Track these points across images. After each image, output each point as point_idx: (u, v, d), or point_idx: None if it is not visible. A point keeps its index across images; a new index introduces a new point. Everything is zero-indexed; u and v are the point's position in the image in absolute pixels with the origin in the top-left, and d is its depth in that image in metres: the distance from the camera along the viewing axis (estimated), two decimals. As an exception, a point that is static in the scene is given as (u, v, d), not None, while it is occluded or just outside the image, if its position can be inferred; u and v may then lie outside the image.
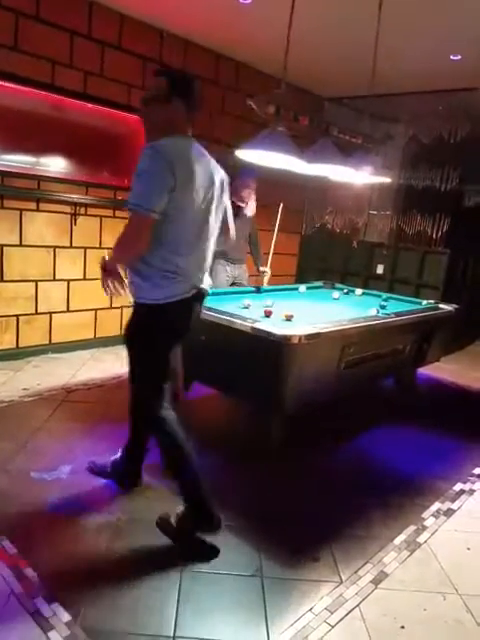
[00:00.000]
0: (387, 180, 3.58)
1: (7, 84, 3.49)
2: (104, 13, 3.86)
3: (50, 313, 4.10)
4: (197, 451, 2.02)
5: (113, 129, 4.12)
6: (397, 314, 3.10)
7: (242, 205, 3.58)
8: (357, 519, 2.27)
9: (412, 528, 2.23)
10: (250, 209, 3.63)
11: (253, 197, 3.63)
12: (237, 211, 3.34)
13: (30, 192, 3.75)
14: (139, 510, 2.17)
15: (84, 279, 4.23)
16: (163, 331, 1.96)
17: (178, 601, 1.70)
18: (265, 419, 2.73)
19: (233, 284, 3.88)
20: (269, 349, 2.33)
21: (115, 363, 4.01)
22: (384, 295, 3.80)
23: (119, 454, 2.36)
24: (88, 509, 2.14)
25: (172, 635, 1.57)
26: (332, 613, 1.71)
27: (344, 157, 2.96)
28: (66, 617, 1.59)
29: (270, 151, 2.43)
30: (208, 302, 2.77)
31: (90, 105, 3.92)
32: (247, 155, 2.63)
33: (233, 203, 3.00)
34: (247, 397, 2.73)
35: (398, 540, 2.14)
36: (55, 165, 3.88)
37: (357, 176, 3.16)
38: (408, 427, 3.32)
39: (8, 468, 2.39)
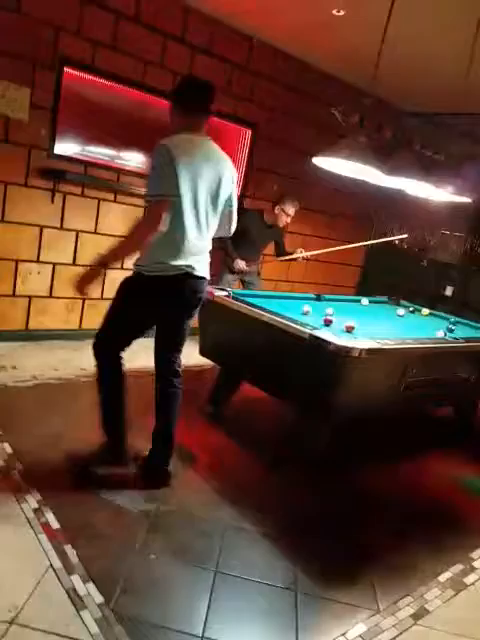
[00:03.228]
0: (468, 200, 3.42)
1: (103, 81, 3.69)
2: (197, 18, 3.96)
3: (114, 301, 4.23)
4: (240, 451, 2.00)
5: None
6: (466, 339, 2.95)
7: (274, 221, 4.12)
8: (400, 547, 2.17)
9: (459, 567, 2.10)
10: (281, 221, 4.13)
11: (285, 219, 4.13)
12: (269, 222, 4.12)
13: (109, 183, 3.90)
14: (180, 502, 2.18)
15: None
16: None
17: (210, 601, 1.69)
18: (312, 428, 2.67)
19: (243, 282, 4.29)
20: (327, 359, 2.27)
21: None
22: (452, 318, 3.62)
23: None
24: (129, 495, 2.17)
25: (201, 635, 1.56)
26: (366, 642, 1.64)
27: (424, 172, 2.87)
28: (99, 599, 1.61)
29: (350, 160, 2.39)
30: (266, 304, 2.79)
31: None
32: (325, 163, 2.60)
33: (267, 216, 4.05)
34: (297, 404, 2.68)
35: (443, 577, 2.02)
36: (134, 160, 4.03)
37: (436, 193, 3.04)
38: (463, 460, 3.15)
39: (56, 444, 2.47)
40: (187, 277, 2.13)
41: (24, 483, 2.11)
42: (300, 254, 4.22)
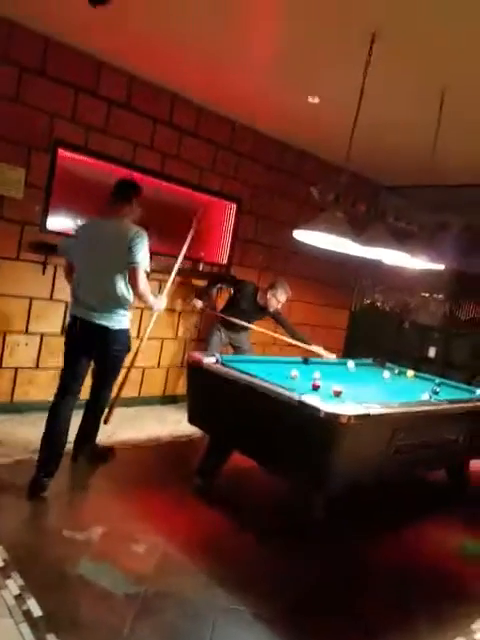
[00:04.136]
0: (440, 267, 3.60)
1: (97, 161, 3.92)
2: (184, 104, 4.28)
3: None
4: (229, 524, 1.95)
5: (190, 206, 4.41)
6: (450, 401, 2.99)
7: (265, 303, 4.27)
8: (399, 620, 2.11)
9: (461, 641, 2.02)
10: (271, 306, 4.25)
11: (275, 304, 4.24)
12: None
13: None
14: (168, 584, 2.09)
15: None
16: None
17: None
18: (304, 497, 2.62)
19: (232, 346, 4.48)
20: (316, 425, 2.28)
21: (155, 424, 4.03)
22: (437, 380, 3.68)
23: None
24: (116, 576, 2.08)
25: None
26: None
27: (398, 242, 3.04)
28: None
29: (328, 234, 2.53)
30: (253, 369, 2.82)
31: (165, 183, 4.28)
32: (305, 236, 2.75)
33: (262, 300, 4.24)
34: (287, 472, 2.64)
35: (445, 654, 1.94)
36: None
37: (411, 261, 3.20)
38: (457, 523, 3.09)
39: (39, 525, 2.39)
40: (85, 322, 2.72)
41: (5, 567, 2.01)
42: (321, 350, 4.16)
